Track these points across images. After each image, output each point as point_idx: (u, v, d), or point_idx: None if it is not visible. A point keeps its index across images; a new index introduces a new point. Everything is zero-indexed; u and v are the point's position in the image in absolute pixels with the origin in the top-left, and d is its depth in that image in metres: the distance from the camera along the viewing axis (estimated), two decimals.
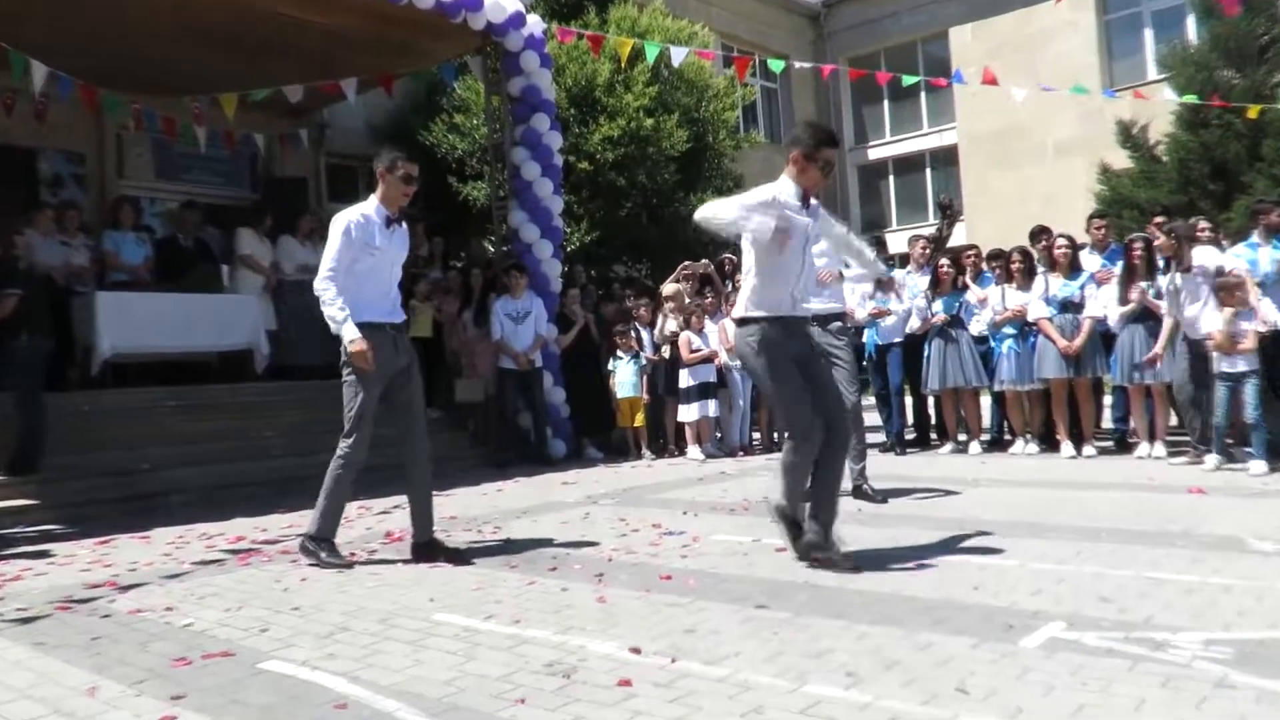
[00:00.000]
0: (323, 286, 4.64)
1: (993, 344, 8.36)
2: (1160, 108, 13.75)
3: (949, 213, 12.32)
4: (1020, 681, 2.69)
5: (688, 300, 9.71)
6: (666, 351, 9.57)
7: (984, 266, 8.71)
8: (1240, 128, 12.97)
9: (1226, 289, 6.68)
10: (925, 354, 8.61)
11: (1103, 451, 7.87)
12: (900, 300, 8.63)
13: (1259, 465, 6.48)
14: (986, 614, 3.37)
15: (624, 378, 9.55)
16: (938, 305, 8.60)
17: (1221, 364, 6.69)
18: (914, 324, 8.79)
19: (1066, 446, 7.89)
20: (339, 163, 13.15)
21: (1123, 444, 8.09)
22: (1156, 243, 7.31)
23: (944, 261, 8.76)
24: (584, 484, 7.78)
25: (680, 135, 12.14)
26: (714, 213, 4.15)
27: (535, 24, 9.98)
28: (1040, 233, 8.94)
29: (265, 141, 11.70)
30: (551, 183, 9.98)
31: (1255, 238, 7.55)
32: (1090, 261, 8.29)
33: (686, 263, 9.95)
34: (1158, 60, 17.10)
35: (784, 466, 4.31)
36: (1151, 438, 7.61)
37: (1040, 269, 8.22)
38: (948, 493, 6.34)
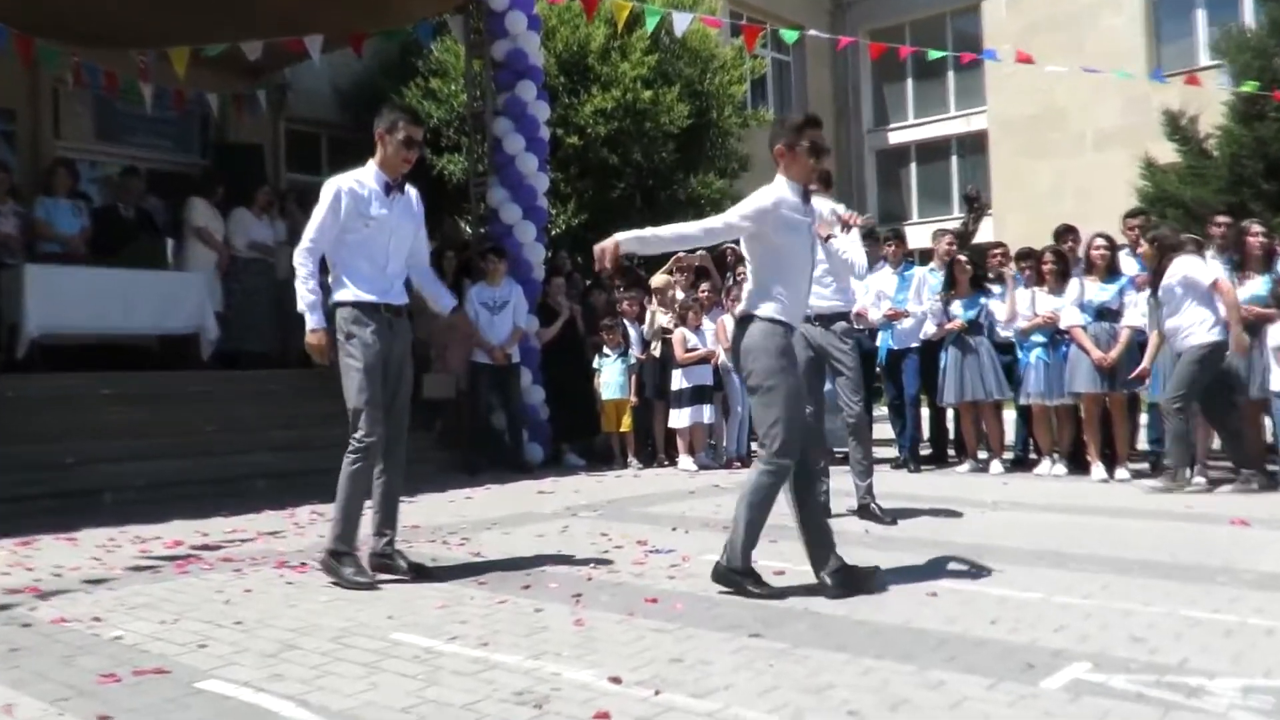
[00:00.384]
0: (299, 260, 4.58)
1: (1019, 353, 8.40)
2: (1212, 97, 13.81)
3: (976, 206, 12.38)
4: None
5: (681, 294, 9.71)
6: (658, 349, 9.58)
7: (1011, 267, 8.73)
8: None
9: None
10: (941, 363, 8.63)
11: (1136, 475, 7.91)
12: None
13: None
14: (1004, 651, 3.39)
15: (610, 378, 9.55)
16: (956, 308, 8.61)
17: None
18: (929, 329, 8.80)
19: (1097, 469, 7.92)
20: (300, 129, 13.11)
21: (1158, 468, 8.12)
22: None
23: (963, 258, 8.77)
24: (562, 494, 7.78)
25: (681, 110, 12.16)
26: (702, 229, 4.35)
27: None
28: (1066, 232, 8.93)
29: (219, 103, 11.67)
30: (536, 158, 9.98)
31: None
32: (1129, 265, 8.33)
33: (680, 253, 9.88)
34: (1211, 45, 17.18)
35: (752, 490, 4.25)
36: (1190, 463, 7.65)
37: (1076, 271, 8.26)
38: (965, 515, 6.35)
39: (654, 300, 9.89)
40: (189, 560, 5.22)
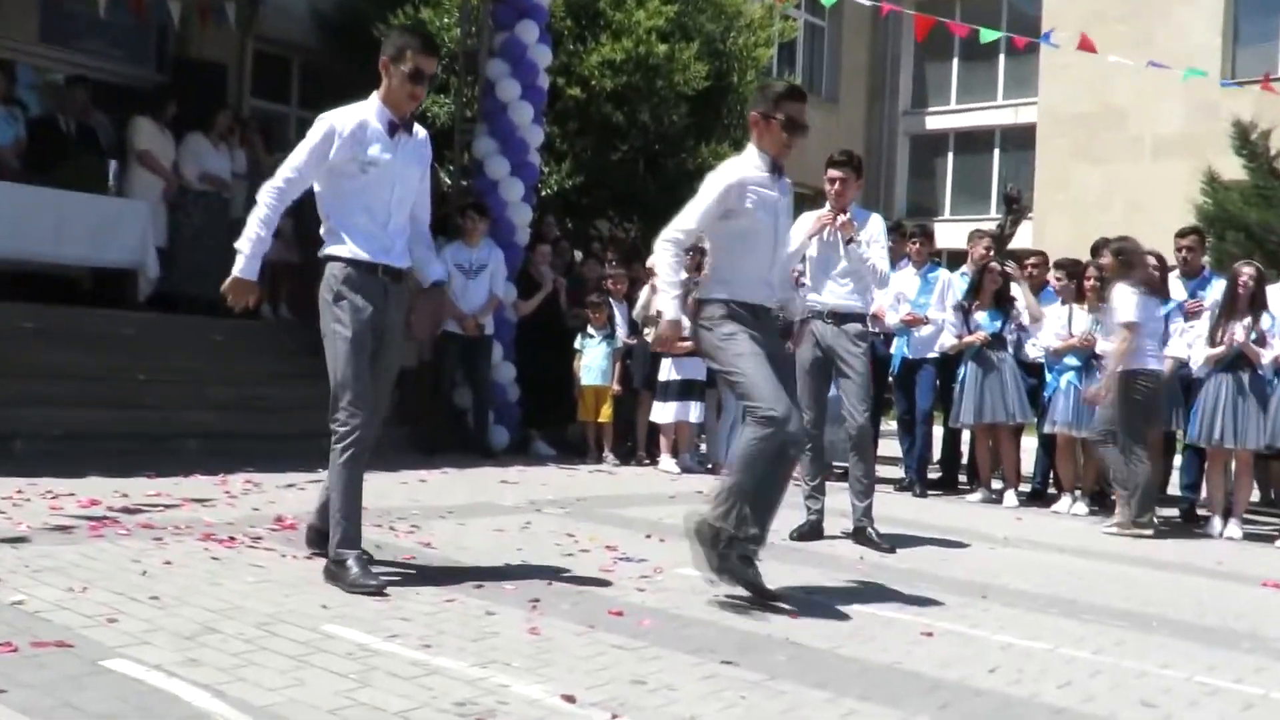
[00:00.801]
0: (263, 195, 4.41)
1: (1049, 376, 8.42)
2: None
3: (1016, 207, 12.41)
4: None
5: (684, 274, 9.70)
6: (649, 334, 9.57)
7: (1047, 279, 8.74)
8: None
9: None
10: (958, 378, 8.64)
11: (1164, 523, 7.95)
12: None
13: None
14: (1002, 703, 3.41)
15: (591, 361, 9.54)
16: (981, 318, 8.61)
17: None
18: (945, 340, 8.79)
19: (1122, 511, 7.96)
20: (269, 50, 13.02)
21: (1190, 516, 8.18)
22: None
23: (997, 267, 8.76)
24: (527, 485, 7.79)
25: (698, 69, 12.12)
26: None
27: None
28: (1104, 246, 8.93)
29: (181, 12, 11.55)
30: (532, 108, 9.95)
31: None
32: (1178, 288, 8.34)
33: None
34: None
35: (743, 458, 4.35)
36: (1227, 514, 7.70)
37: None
38: (971, 549, 6.39)
39: (650, 280, 9.88)
40: (104, 523, 5.20)
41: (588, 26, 11.87)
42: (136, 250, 9.24)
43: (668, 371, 9.28)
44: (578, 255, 11.50)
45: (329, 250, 4.44)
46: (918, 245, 9.19)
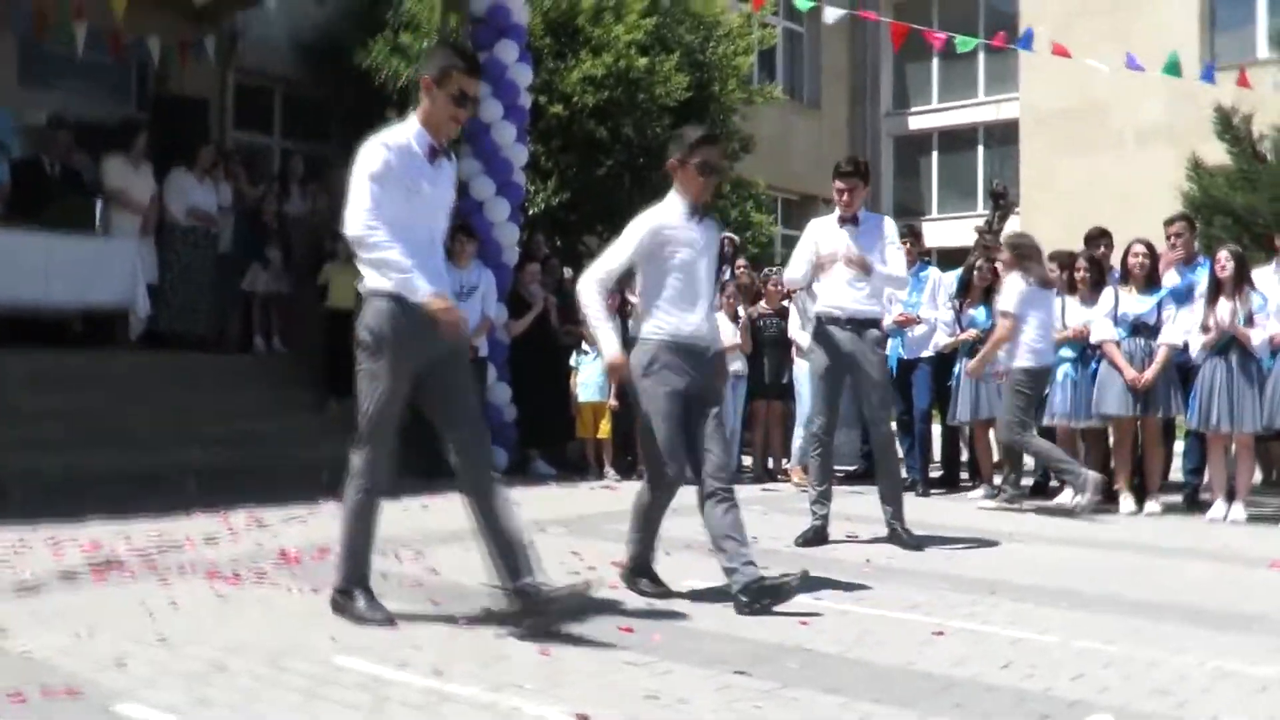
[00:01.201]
0: (367, 230, 4.06)
1: None
2: (1271, 95, 13.90)
3: (1002, 203, 12.41)
4: None
5: None
6: None
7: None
8: None
9: None
10: (954, 376, 8.67)
11: (1168, 509, 7.97)
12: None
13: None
14: (1017, 699, 3.41)
15: (588, 377, 9.54)
16: (978, 315, 8.65)
17: None
18: (940, 340, 8.83)
19: (1126, 500, 7.97)
20: (250, 82, 13.03)
21: (1194, 502, 8.20)
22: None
23: (980, 264, 8.81)
24: (529, 506, 7.72)
25: (679, 81, 12.14)
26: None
27: None
28: (1099, 237, 8.97)
29: (161, 50, 11.59)
30: (515, 127, 9.96)
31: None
32: (1170, 276, 8.37)
33: None
34: (1271, 36, 17.32)
35: (635, 507, 4.89)
36: (1230, 497, 7.71)
37: (1111, 281, 8.31)
38: (977, 546, 6.40)
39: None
40: (108, 567, 5.19)
41: (567, 43, 11.89)
42: (127, 289, 9.24)
43: None
44: (567, 272, 11.51)
45: (371, 285, 4.19)
46: (907, 246, 9.18)
